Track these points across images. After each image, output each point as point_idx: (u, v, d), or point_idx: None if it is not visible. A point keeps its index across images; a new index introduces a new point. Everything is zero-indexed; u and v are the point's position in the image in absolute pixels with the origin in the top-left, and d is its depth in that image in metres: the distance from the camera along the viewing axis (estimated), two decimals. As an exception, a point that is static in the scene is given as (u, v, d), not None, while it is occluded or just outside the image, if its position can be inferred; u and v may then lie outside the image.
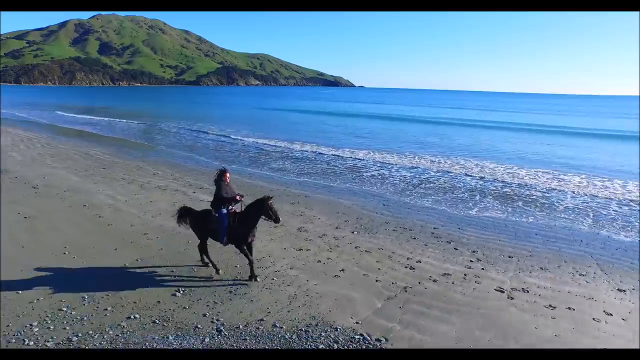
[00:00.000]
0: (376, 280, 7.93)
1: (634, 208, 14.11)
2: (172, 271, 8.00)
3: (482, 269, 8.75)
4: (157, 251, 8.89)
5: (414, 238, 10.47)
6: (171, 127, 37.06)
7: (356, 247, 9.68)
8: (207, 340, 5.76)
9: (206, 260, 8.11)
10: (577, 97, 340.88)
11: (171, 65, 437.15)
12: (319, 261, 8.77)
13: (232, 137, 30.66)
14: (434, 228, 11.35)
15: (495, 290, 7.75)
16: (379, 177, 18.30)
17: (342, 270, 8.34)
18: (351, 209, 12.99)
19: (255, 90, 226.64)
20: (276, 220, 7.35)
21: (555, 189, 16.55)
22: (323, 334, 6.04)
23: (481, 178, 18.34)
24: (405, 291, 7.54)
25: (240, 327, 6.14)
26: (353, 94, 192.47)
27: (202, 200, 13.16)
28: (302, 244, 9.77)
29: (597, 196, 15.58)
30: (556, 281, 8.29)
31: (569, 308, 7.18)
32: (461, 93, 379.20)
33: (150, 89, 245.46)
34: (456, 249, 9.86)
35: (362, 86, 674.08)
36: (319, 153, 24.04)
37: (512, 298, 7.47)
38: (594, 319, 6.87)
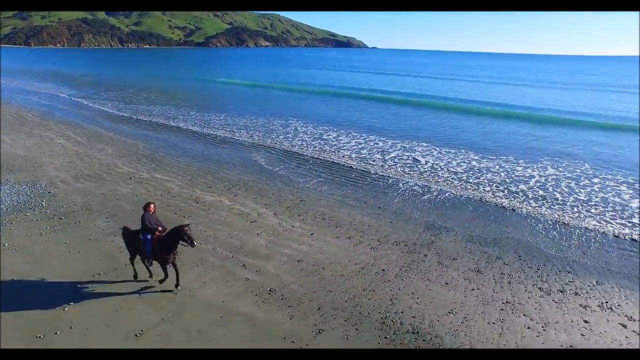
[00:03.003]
0: (77, 167, 17.79)
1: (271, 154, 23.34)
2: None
3: (143, 172, 18.43)
4: (-4, 161, 18.91)
5: (138, 159, 20.16)
6: (108, 95, 46.67)
7: (87, 156, 19.54)
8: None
9: (135, 268, 9.54)
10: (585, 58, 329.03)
11: (180, 26, 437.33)
12: (73, 161, 18.58)
13: (140, 105, 40.18)
14: (162, 155, 21.01)
15: (124, 174, 17.48)
16: (191, 133, 27.75)
17: (81, 166, 18.20)
18: (136, 146, 22.75)
19: (257, 54, 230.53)
20: (191, 244, 8.43)
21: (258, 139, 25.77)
22: (26, 184, 15.97)
23: (262, 137, 27.63)
24: (91, 175, 17.39)
25: (-3, 181, 16.19)
26: (340, 59, 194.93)
27: (57, 143, 23.08)
28: (76, 157, 19.60)
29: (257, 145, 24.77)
30: (166, 174, 17.87)
31: (147, 184, 16.86)
32: (476, 55, 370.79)
33: (155, 52, 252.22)
34: (152, 164, 19.53)
35: (375, 47, 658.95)
36: (183, 116, 33.46)
37: (131, 178, 17.20)
38: (131, 177, 16.58)
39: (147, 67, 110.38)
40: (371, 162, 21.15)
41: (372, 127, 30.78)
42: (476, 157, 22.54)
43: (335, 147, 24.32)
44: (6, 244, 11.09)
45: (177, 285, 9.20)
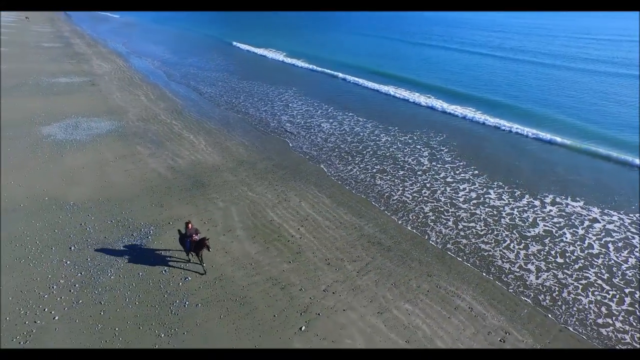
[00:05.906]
0: (141, 114, 36.60)
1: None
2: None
3: (167, 119, 36.39)
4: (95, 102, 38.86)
5: (171, 113, 38.24)
6: (190, 61, 66.44)
7: (149, 108, 38.24)
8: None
9: (190, 258, 16.35)
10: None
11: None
12: (141, 111, 37.48)
13: (203, 72, 58.92)
14: (185, 111, 38.76)
15: (158, 119, 35.64)
16: (211, 98, 44.96)
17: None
18: (176, 104, 40.96)
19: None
20: (207, 249, 14.91)
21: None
22: (116, 121, 35.28)
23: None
24: (144, 119, 36.13)
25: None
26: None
27: (140, 99, 42.75)
28: (143, 109, 38.58)
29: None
30: (177, 121, 35.53)
31: (164, 125, 34.81)
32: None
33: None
34: (176, 115, 37.46)
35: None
36: (222, 82, 50.82)
37: (160, 122, 35.33)
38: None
39: (251, 31, 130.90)
40: (287, 124, 35.80)
41: (338, 102, 44.15)
42: (381, 126, 35.33)
43: (285, 113, 39.11)
44: (102, 144, 29.88)
45: (204, 271, 15.77)
